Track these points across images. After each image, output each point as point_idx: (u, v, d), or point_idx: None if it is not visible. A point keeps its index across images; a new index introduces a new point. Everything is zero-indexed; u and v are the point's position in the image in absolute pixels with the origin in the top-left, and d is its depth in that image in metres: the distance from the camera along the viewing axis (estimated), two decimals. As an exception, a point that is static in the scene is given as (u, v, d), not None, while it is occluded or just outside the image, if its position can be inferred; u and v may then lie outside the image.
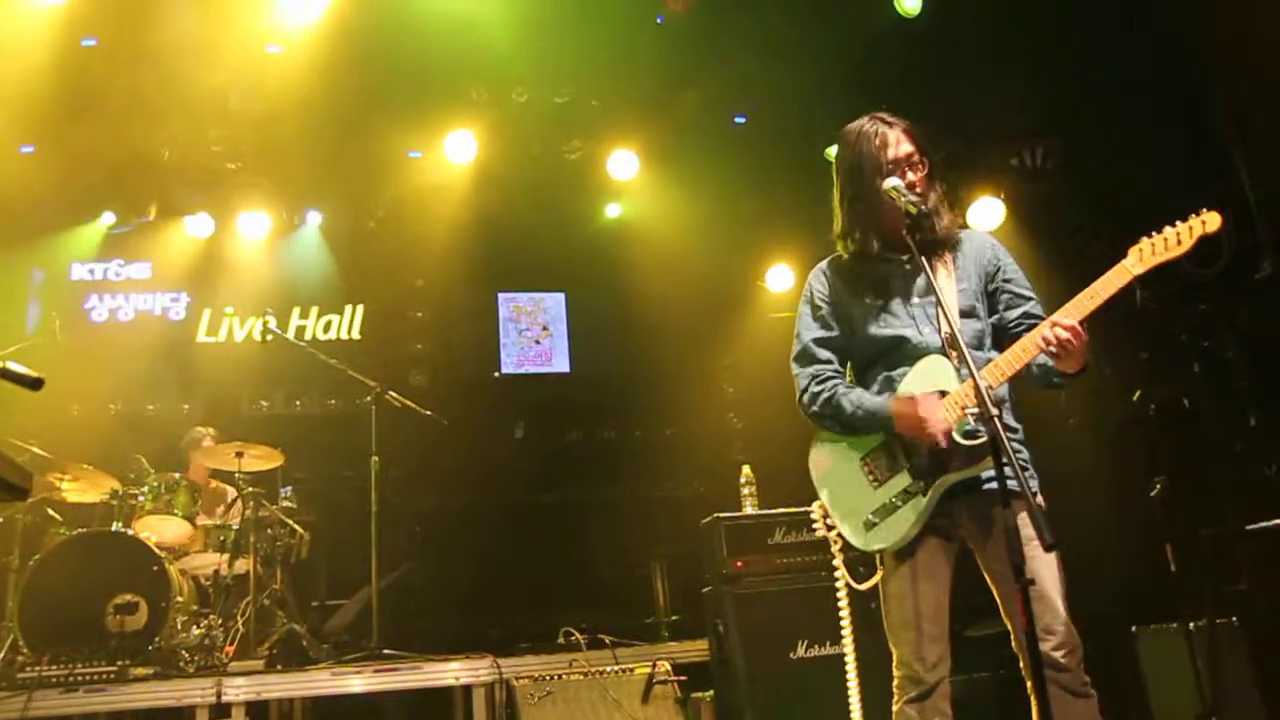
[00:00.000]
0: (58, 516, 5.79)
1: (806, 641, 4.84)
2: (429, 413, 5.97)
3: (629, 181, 7.83)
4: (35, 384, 2.13)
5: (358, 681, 5.01)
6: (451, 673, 5.09)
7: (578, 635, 5.47)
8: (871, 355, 3.04)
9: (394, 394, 5.85)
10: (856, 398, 2.97)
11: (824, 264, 3.21)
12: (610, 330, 8.00)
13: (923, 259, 2.78)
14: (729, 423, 8.23)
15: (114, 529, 5.51)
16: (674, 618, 6.55)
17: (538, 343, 8.05)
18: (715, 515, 5.10)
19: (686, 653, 5.40)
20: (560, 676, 4.96)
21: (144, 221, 7.79)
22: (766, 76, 6.72)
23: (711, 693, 5.05)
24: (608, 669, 5.04)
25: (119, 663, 4.91)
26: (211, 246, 7.76)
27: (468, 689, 5.13)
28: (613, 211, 8.25)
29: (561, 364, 8.05)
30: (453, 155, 7.59)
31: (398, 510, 5.88)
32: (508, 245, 7.80)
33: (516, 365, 7.98)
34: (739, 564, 4.99)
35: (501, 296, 8.05)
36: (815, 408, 3.05)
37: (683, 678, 5.06)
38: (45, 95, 6.59)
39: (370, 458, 5.68)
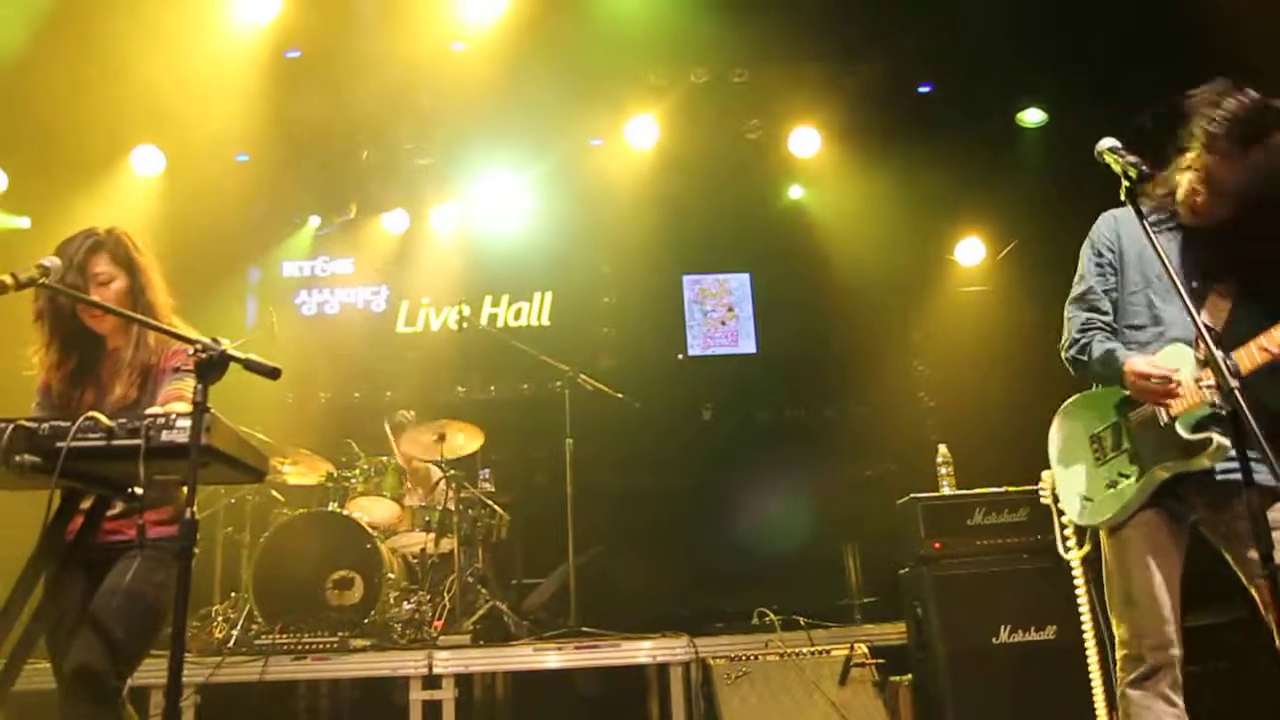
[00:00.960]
0: (280, 497, 6.26)
1: (1010, 626, 4.70)
2: (620, 395, 6.11)
3: (811, 158, 7.76)
4: (273, 373, 2.32)
5: (558, 658, 5.20)
6: (648, 651, 5.20)
7: (772, 616, 5.49)
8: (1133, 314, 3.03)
9: (585, 377, 6.02)
10: (1104, 351, 2.95)
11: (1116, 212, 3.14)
12: (796, 309, 7.95)
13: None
14: (920, 401, 8.05)
15: (330, 509, 5.91)
16: (868, 600, 6.49)
17: (723, 324, 8.09)
18: (912, 495, 5.02)
19: (884, 635, 5.33)
20: (755, 657, 4.99)
21: (345, 220, 8.31)
22: (953, 42, 6.52)
23: (910, 677, 4.98)
24: (803, 650, 5.04)
25: (339, 634, 5.29)
26: (408, 241, 8.18)
27: (664, 667, 5.22)
28: (795, 189, 8.20)
29: (748, 345, 8.06)
30: (634, 140, 7.72)
31: (591, 491, 6.03)
32: (691, 227, 7.86)
33: (703, 347, 8.05)
34: (937, 545, 4.90)
35: (686, 279, 8.13)
36: (1070, 352, 3.07)
37: (880, 660, 5.01)
38: (255, 107, 7.10)
39: (564, 440, 5.86)
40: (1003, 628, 4.70)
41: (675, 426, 7.44)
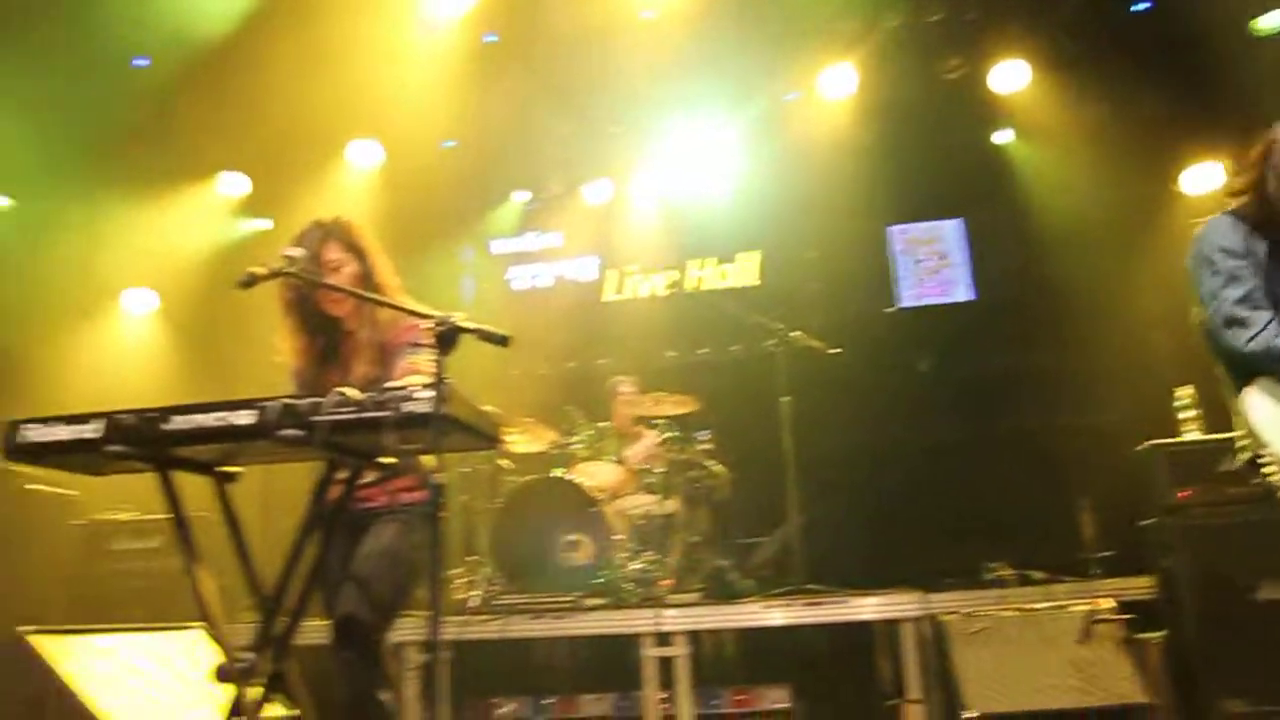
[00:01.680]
0: (509, 465, 6.53)
1: (1274, 582, 4.34)
2: (836, 351, 6.00)
3: (1017, 93, 7.39)
4: (504, 341, 2.41)
5: (784, 614, 5.19)
6: (876, 607, 5.11)
7: (1004, 571, 5.29)
8: None
9: (798, 334, 5.94)
10: None
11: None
12: (1013, 252, 7.56)
13: None
14: (1154, 342, 7.51)
15: (556, 474, 6.11)
16: (1105, 554, 6.14)
17: (936, 273, 7.80)
18: (1152, 442, 4.71)
19: (1126, 590, 5.03)
20: (991, 613, 4.83)
21: (551, 195, 8.52)
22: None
23: (1163, 633, 4.68)
24: (1040, 606, 4.83)
25: (573, 594, 5.47)
26: (612, 210, 8.30)
27: (893, 624, 5.13)
28: (1002, 128, 7.80)
29: (963, 292, 7.74)
30: (830, 91, 7.56)
31: (809, 449, 5.97)
32: (895, 176, 7.60)
33: (916, 297, 7.78)
34: (1184, 494, 4.58)
35: (893, 229, 7.87)
36: (1258, 346, 3.06)
37: (1127, 615, 4.73)
38: (459, 94, 7.37)
39: (779, 399, 5.82)
40: (1263, 582, 4.34)
41: (891, 380, 7.23)
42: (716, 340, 7.68)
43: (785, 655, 5.62)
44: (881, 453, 7.06)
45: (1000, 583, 5.25)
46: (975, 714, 4.51)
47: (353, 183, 8.08)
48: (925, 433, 7.16)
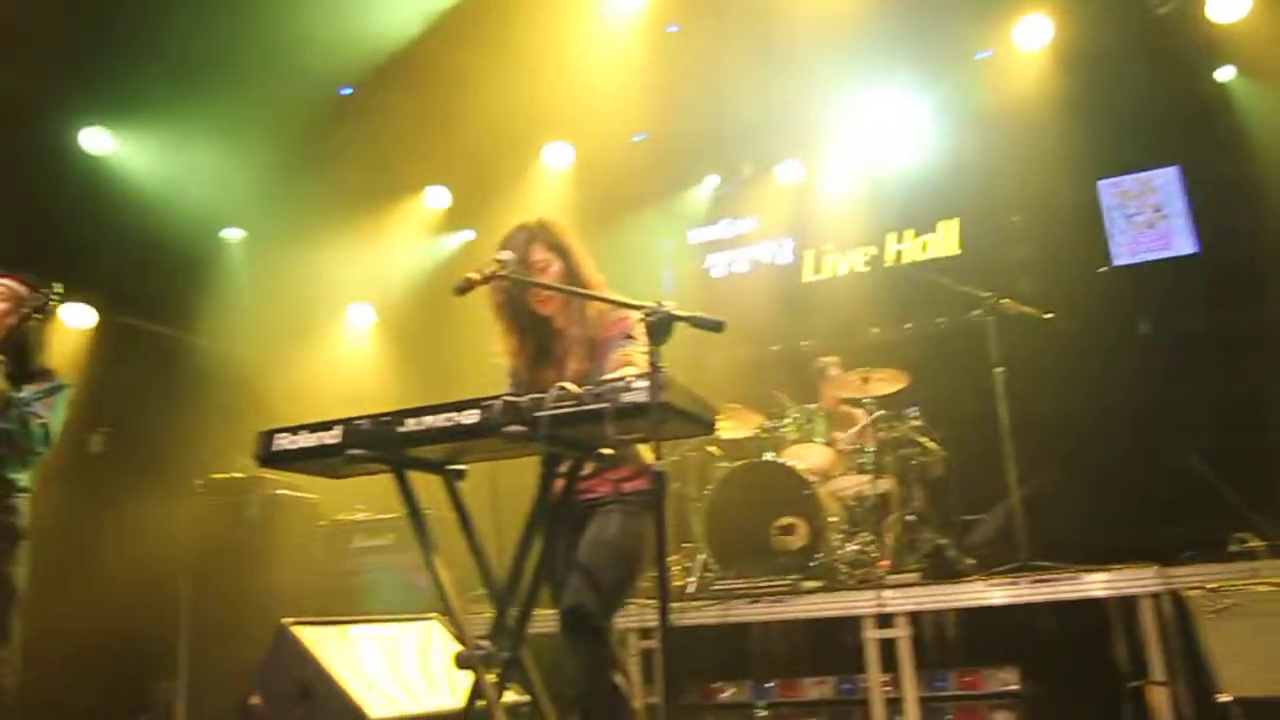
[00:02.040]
0: (718, 451, 6.56)
1: None
2: (1048, 315, 5.70)
3: (1236, 23, 6.80)
4: (718, 326, 2.41)
5: (1009, 593, 4.98)
6: (1109, 583, 4.83)
7: (1255, 542, 4.90)
8: None
9: (1007, 301, 5.68)
10: None
11: None
12: (1239, 199, 6.94)
13: None
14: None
15: (767, 458, 6.08)
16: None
17: (1151, 226, 7.27)
18: None
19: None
20: (1242, 588, 4.48)
21: (742, 180, 8.50)
22: None
23: None
24: (1300, 579, 4.45)
25: (790, 577, 5.44)
26: (805, 190, 8.19)
27: (1129, 601, 4.84)
28: (1221, 64, 7.19)
29: (1184, 245, 7.18)
30: (1024, 44, 7.22)
31: (1027, 420, 5.69)
32: (1102, 127, 7.13)
33: (1130, 254, 7.28)
34: None
35: (1102, 184, 7.38)
36: None
37: None
38: (645, 86, 7.45)
39: (992, 370, 5.58)
40: None
41: (1110, 344, 6.79)
42: (921, 313, 7.43)
43: (1012, 636, 5.40)
44: (1104, 420, 6.65)
45: (1249, 554, 4.85)
46: (1232, 697, 4.19)
47: (548, 185, 8.32)
48: (1150, 397, 6.69)
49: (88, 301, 8.07)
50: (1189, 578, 4.69)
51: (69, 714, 7.14)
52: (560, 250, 3.27)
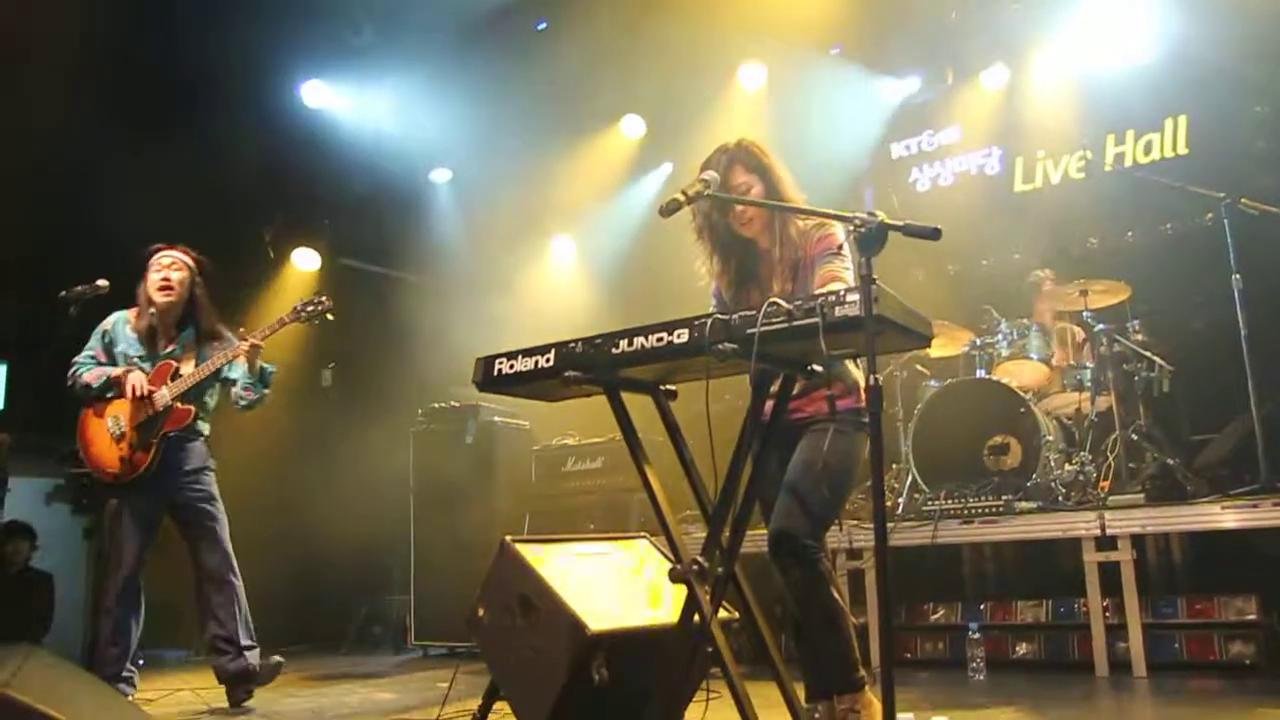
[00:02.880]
0: (926, 370, 6.40)
1: None
2: (1295, 213, 5.20)
3: None
4: (934, 234, 2.32)
5: (1245, 517, 4.65)
6: (1366, 505, 4.46)
7: None
8: None
9: (1247, 201, 5.20)
10: None
11: None
12: None
13: None
14: None
15: (978, 376, 5.88)
16: None
17: None
18: None
19: None
20: None
21: (945, 87, 8.11)
22: None
23: None
24: None
25: (1003, 498, 5.27)
26: (1011, 95, 7.73)
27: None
28: None
29: None
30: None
31: (1268, 331, 5.23)
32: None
33: (1395, 143, 6.51)
34: None
35: (1362, 66, 6.61)
36: None
37: None
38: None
39: (1229, 276, 5.14)
40: None
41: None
42: (1145, 220, 6.92)
43: (1243, 563, 5.05)
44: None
45: None
46: None
47: (744, 108, 8.19)
48: None
49: (313, 247, 8.63)
50: None
51: (311, 627, 7.82)
52: (761, 171, 3.23)
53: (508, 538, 3.66)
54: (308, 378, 8.33)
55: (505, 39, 7.99)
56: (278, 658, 4.96)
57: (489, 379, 3.00)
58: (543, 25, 8.23)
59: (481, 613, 3.58)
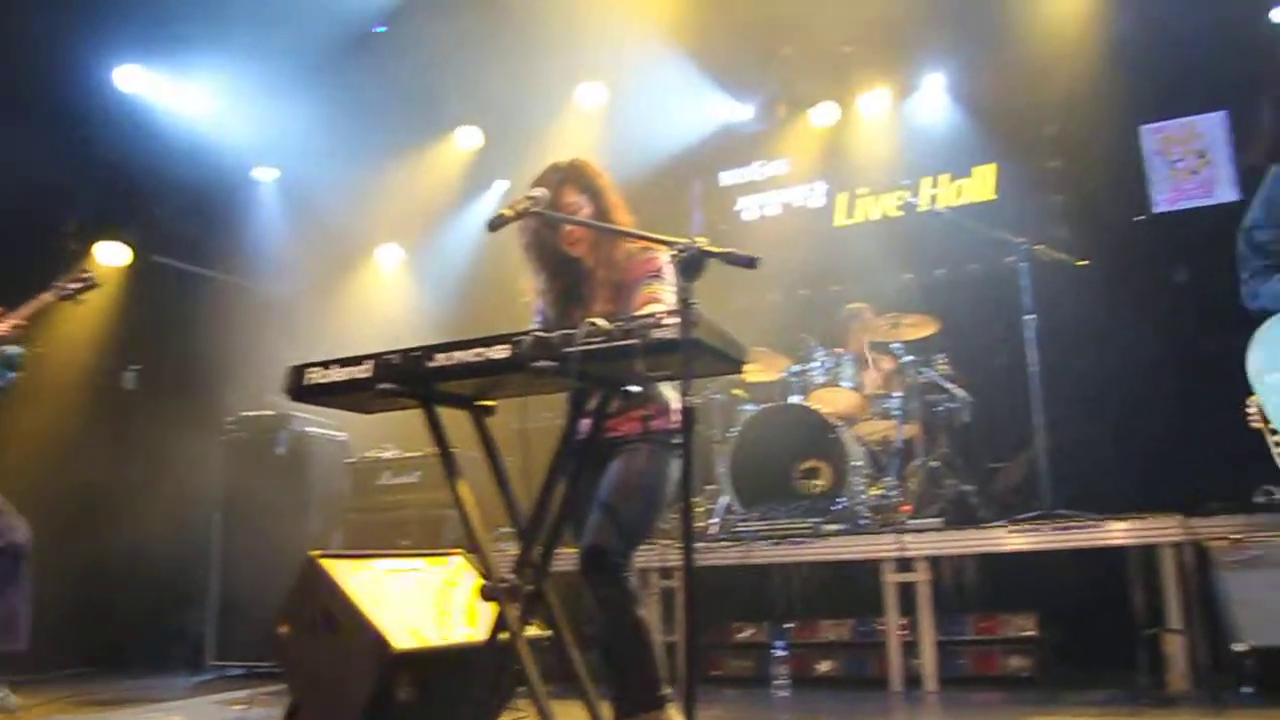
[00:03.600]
0: (743, 394, 6.58)
1: None
2: (1083, 262, 5.62)
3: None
4: (751, 262, 2.40)
5: (1031, 539, 4.99)
6: (1131, 532, 4.85)
7: (1280, 495, 4.87)
8: None
9: (1042, 247, 5.61)
10: None
11: None
12: (1287, 145, 6.80)
13: None
14: None
15: (793, 402, 6.09)
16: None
17: (1194, 173, 7.11)
18: None
19: None
20: (1265, 540, 4.47)
21: (776, 121, 8.39)
22: None
23: None
24: (1326, 532, 4.43)
25: (811, 520, 5.47)
26: (838, 133, 8.08)
27: (1150, 550, 4.86)
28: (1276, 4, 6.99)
29: (1227, 193, 7.03)
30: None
31: (1056, 368, 5.65)
32: (1145, 69, 6.96)
33: (1170, 202, 7.14)
34: None
35: (1145, 129, 7.21)
36: None
37: None
38: (679, 25, 7.37)
39: (1023, 317, 5.53)
40: None
41: (1145, 292, 6.69)
42: (954, 259, 7.34)
43: (1030, 583, 5.43)
44: (1137, 370, 6.59)
45: (1275, 506, 4.82)
46: (1247, 646, 4.20)
47: (582, 128, 8.25)
48: (1185, 347, 6.63)
49: (122, 240, 8.15)
50: (1212, 528, 4.69)
51: (104, 641, 7.36)
52: (592, 192, 3.26)
53: (315, 552, 3.56)
54: (109, 378, 7.86)
55: (342, 39, 7.79)
56: (12, 699, 4.64)
57: (299, 388, 2.91)
58: (381, 28, 8.07)
59: (283, 630, 3.47)
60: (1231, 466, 5.74)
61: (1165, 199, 7.14)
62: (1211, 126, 7.10)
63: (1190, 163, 7.10)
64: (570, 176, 3.26)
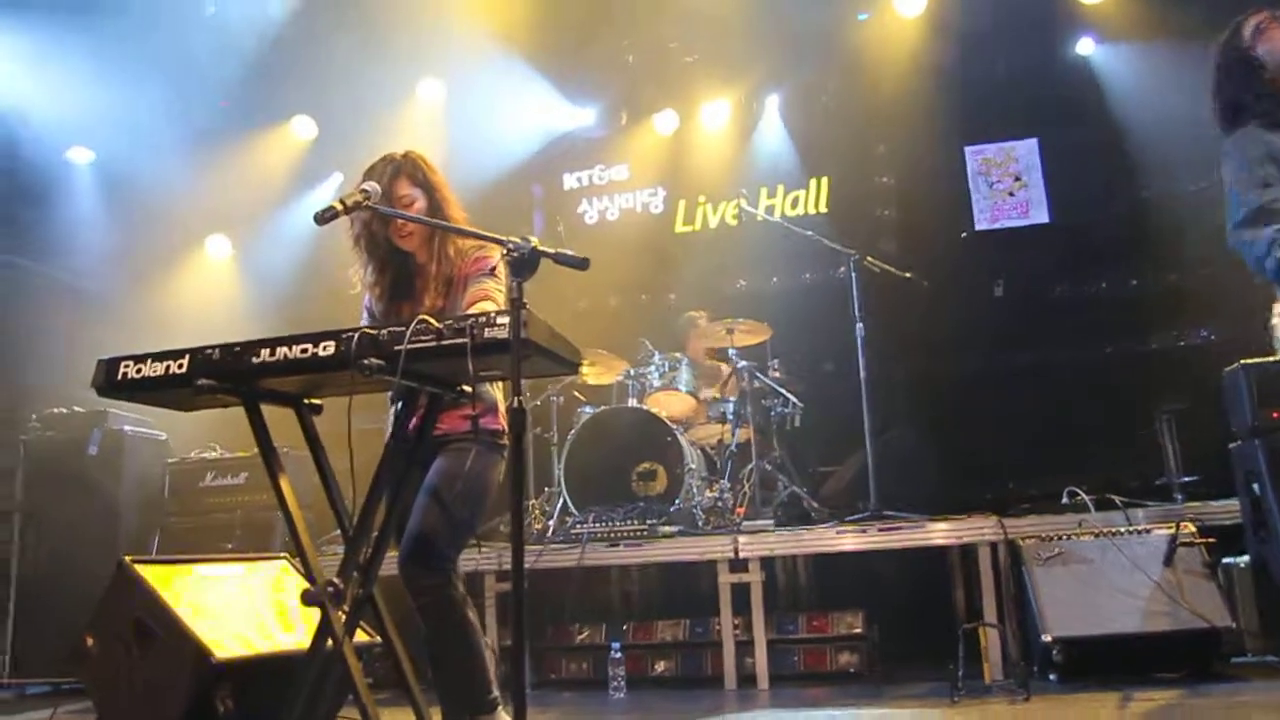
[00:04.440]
0: (581, 396, 6.60)
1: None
2: (908, 275, 5.90)
3: (1098, 3, 7.13)
4: (582, 264, 2.41)
5: (859, 540, 5.18)
6: (951, 532, 5.08)
7: (1083, 495, 5.22)
8: None
9: (871, 259, 5.85)
10: None
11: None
12: (1092, 172, 7.32)
13: None
14: (1240, 262, 7.23)
15: (630, 405, 6.15)
16: (1188, 479, 6.01)
17: (1011, 194, 7.57)
18: (1241, 362, 4.56)
19: (1211, 514, 4.93)
20: (1069, 537, 4.78)
21: (618, 127, 8.47)
22: None
23: (1246, 559, 4.59)
24: (1121, 530, 4.77)
25: (648, 522, 5.53)
26: (679, 140, 8.22)
27: (969, 549, 5.11)
28: (1084, 40, 7.52)
29: (1040, 214, 7.51)
30: (902, 9, 7.37)
31: (883, 376, 5.91)
32: (970, 95, 7.38)
33: (990, 221, 7.58)
34: (1275, 414, 4.44)
35: (968, 150, 7.65)
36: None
37: (1211, 539, 4.65)
38: (521, 25, 7.36)
39: (853, 325, 5.74)
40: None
41: (966, 305, 7.09)
42: (788, 269, 7.59)
43: (859, 581, 5.65)
44: (958, 379, 6.97)
45: (1081, 508, 5.17)
46: (1052, 637, 4.48)
47: (421, 119, 8.11)
48: (1003, 358, 7.05)
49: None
50: (1024, 528, 4.96)
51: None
52: (426, 187, 3.24)
53: (127, 558, 3.38)
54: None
55: (169, 17, 7.42)
56: None
57: (112, 383, 2.76)
58: (212, 9, 7.73)
59: (90, 642, 3.28)
60: (1041, 469, 6.18)
61: (986, 218, 7.58)
62: (1027, 152, 7.58)
63: (1007, 184, 7.56)
64: (404, 169, 3.23)
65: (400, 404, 2.94)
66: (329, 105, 8.20)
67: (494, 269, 3.12)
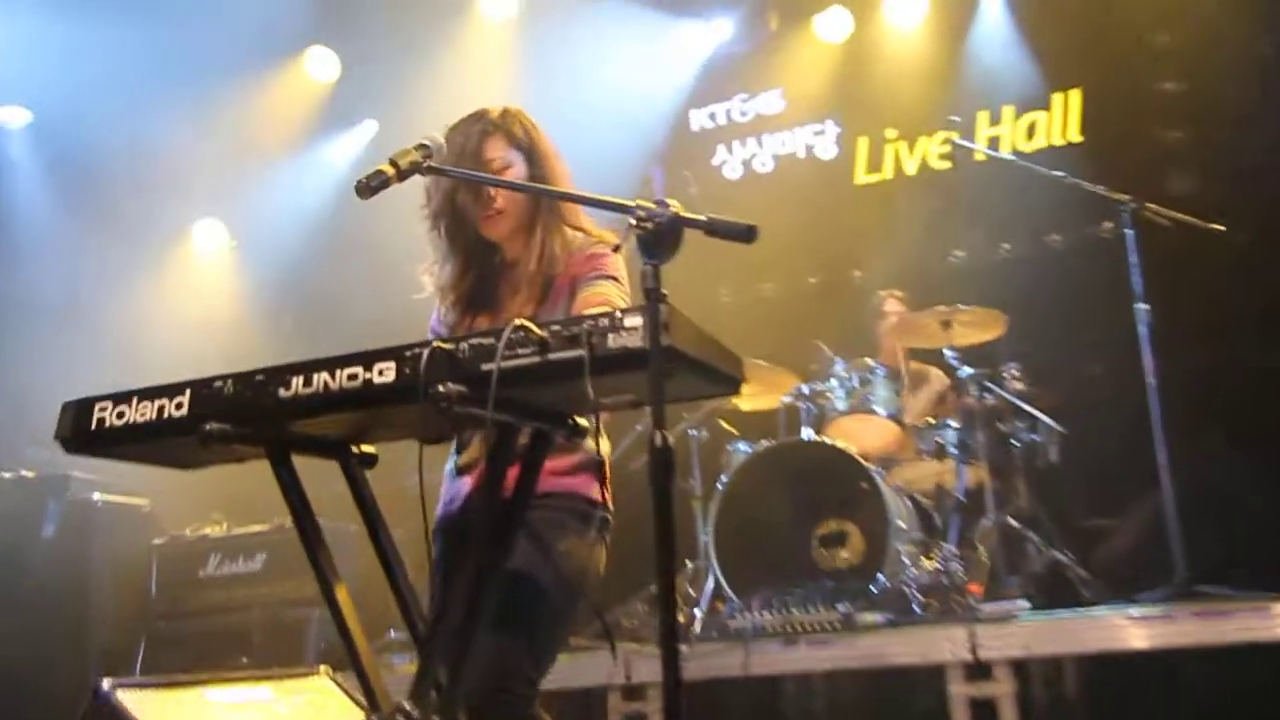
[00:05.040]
0: (732, 429, 6.57)
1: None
2: (1216, 226, 5.68)
3: None
4: (748, 233, 2.36)
5: (1159, 632, 5.00)
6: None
7: None
8: None
9: (1154, 207, 5.66)
10: None
11: None
12: None
13: None
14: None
15: (805, 438, 6.09)
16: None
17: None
18: None
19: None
20: None
21: (765, 36, 8.43)
22: None
23: None
24: None
25: (839, 608, 5.45)
26: (853, 51, 8.14)
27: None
28: None
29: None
30: None
31: (1183, 380, 5.69)
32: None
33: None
34: None
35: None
36: None
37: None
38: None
39: (1132, 306, 5.58)
40: None
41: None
42: (1026, 229, 7.43)
43: (1161, 696, 5.45)
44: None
45: None
46: None
47: (483, 50, 8.17)
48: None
49: None
50: None
51: None
52: (528, 151, 3.26)
53: (105, 682, 3.46)
54: None
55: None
56: None
57: (83, 434, 2.82)
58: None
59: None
60: None
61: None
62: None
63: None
64: (501, 127, 3.25)
65: (459, 451, 2.95)
66: (356, 31, 8.37)
67: (615, 275, 3.12)
